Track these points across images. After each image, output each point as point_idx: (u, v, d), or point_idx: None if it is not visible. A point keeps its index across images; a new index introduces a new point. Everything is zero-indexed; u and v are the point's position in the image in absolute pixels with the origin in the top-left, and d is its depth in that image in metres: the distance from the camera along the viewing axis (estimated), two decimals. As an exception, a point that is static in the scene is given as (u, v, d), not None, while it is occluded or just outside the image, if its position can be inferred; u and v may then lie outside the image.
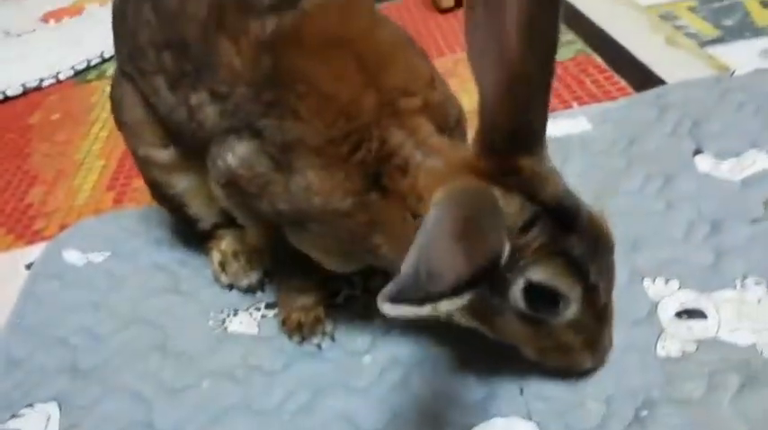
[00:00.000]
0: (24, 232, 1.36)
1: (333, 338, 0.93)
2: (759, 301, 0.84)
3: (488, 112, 0.63)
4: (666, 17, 1.64)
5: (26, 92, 2.00)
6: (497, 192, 0.63)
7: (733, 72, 1.31)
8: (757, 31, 1.50)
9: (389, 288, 0.52)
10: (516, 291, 0.64)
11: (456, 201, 0.60)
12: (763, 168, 1.05)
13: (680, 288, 0.88)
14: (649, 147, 1.16)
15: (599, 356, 0.74)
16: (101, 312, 1.05)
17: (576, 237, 0.63)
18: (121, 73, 0.98)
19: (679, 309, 0.85)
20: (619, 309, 0.76)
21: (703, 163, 1.09)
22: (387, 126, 0.73)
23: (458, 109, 0.81)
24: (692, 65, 1.43)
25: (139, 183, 1.23)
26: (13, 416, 0.91)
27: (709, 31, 1.54)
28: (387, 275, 0.80)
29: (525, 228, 0.63)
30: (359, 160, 0.73)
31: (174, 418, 0.86)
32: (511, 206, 0.63)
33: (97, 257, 1.17)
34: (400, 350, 0.88)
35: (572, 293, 0.63)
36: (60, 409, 0.91)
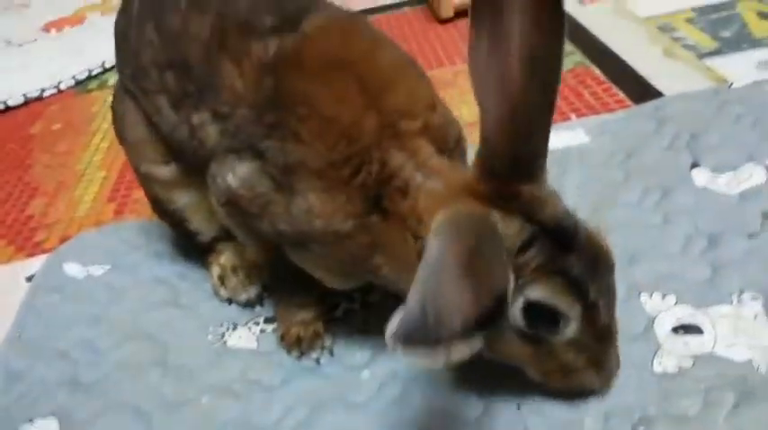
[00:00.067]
0: (25, 244, 1.37)
1: (332, 353, 0.93)
2: (755, 317, 0.84)
3: (489, 139, 0.64)
4: (664, 29, 1.64)
5: (27, 102, 2.01)
6: (497, 215, 0.63)
7: (731, 84, 1.32)
8: (755, 43, 1.50)
9: (398, 327, 0.53)
10: (516, 310, 0.65)
11: (456, 230, 0.60)
12: (760, 182, 1.05)
13: (677, 303, 0.88)
14: (647, 160, 1.17)
15: (605, 376, 0.74)
16: (101, 326, 1.05)
17: (574, 257, 0.63)
18: (124, 90, 0.98)
19: (675, 324, 0.86)
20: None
21: (700, 176, 1.10)
22: (387, 148, 0.73)
23: (457, 130, 0.82)
24: (690, 77, 1.43)
25: (140, 194, 1.23)
26: (14, 431, 0.92)
27: (707, 42, 1.55)
28: (385, 291, 0.81)
29: (524, 248, 0.63)
30: (360, 183, 0.73)
31: (173, 433, 0.87)
32: (510, 228, 0.63)
33: (97, 270, 1.17)
34: (399, 365, 0.89)
35: (571, 312, 0.64)
36: (60, 425, 0.91)
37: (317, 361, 0.93)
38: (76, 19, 2.54)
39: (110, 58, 2.02)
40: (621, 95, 1.44)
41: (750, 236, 0.97)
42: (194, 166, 0.89)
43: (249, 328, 1.00)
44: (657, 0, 1.79)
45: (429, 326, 0.53)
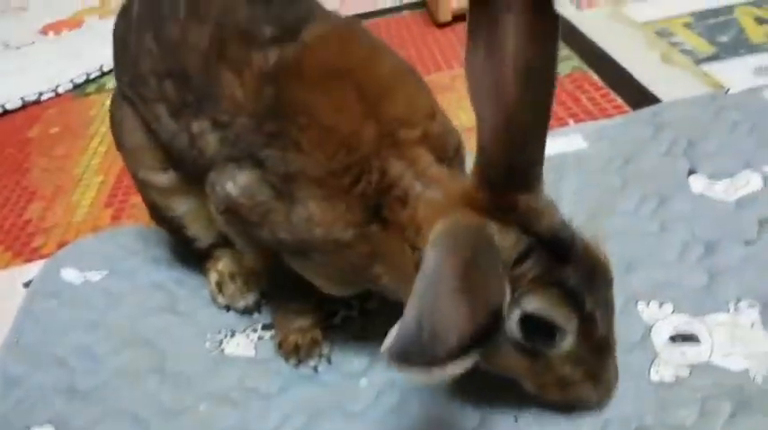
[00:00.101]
0: (23, 249, 1.37)
1: (329, 361, 0.93)
2: (752, 325, 0.85)
3: (485, 149, 0.64)
4: (662, 33, 1.65)
5: (25, 105, 2.01)
6: (494, 227, 0.63)
7: (728, 90, 1.32)
8: (752, 48, 1.51)
9: (393, 343, 0.53)
10: (512, 322, 0.65)
11: (453, 242, 0.60)
12: (757, 189, 1.06)
13: (674, 311, 0.89)
14: (645, 167, 1.17)
15: (602, 389, 0.73)
16: (98, 332, 1.05)
17: (571, 268, 0.63)
18: (122, 96, 0.98)
19: (672, 333, 0.86)
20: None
21: (697, 183, 1.10)
22: (387, 157, 0.74)
23: (456, 139, 0.82)
24: (687, 82, 1.44)
25: (137, 199, 1.23)
26: (11, 439, 0.92)
27: (704, 47, 1.55)
28: (384, 298, 0.81)
29: (520, 260, 0.63)
30: (360, 192, 0.74)
31: (171, 441, 0.87)
32: (506, 240, 0.63)
33: (95, 276, 1.17)
34: (397, 373, 0.88)
35: (567, 324, 0.64)
36: (58, 432, 0.91)
37: (315, 368, 0.93)
38: (74, 22, 2.54)
39: (108, 61, 2.01)
40: (619, 101, 1.44)
41: (747, 243, 0.97)
42: (193, 174, 0.89)
43: (247, 335, 1.00)
44: (655, 5, 1.80)
45: (424, 342, 0.54)
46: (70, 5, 2.70)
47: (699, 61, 1.50)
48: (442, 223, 0.64)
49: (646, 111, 1.32)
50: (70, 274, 1.18)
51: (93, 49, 2.22)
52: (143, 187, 1.01)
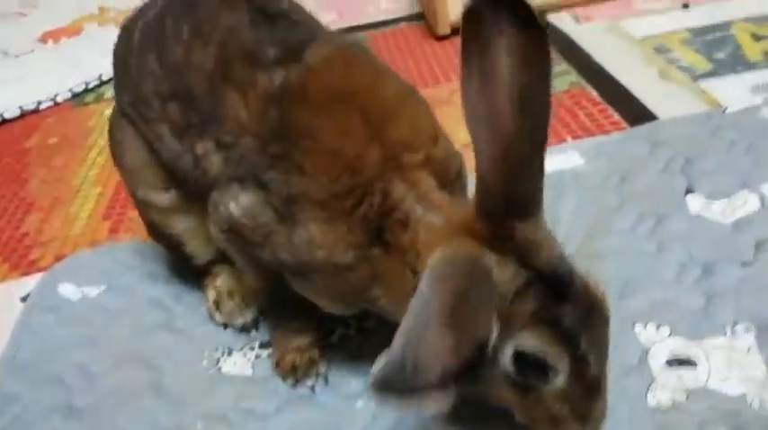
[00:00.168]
0: (20, 262, 1.36)
1: (326, 380, 0.93)
2: (749, 350, 0.85)
3: (483, 178, 0.64)
4: (660, 49, 1.66)
5: (23, 114, 2.00)
6: (492, 258, 0.63)
7: (725, 109, 1.33)
8: (749, 65, 1.52)
9: (379, 371, 0.53)
10: (505, 357, 0.65)
11: (447, 274, 0.60)
12: (754, 210, 1.06)
13: (671, 334, 0.89)
14: (642, 185, 1.18)
15: (590, 428, 0.73)
16: (95, 349, 1.05)
17: (568, 307, 0.63)
18: (122, 114, 0.98)
19: (669, 356, 0.86)
20: (611, 356, 0.76)
21: (695, 203, 1.11)
22: (390, 179, 0.74)
23: (458, 162, 0.82)
24: (685, 99, 1.44)
25: (135, 213, 1.23)
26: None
27: (701, 64, 1.56)
28: (382, 318, 0.81)
29: (518, 294, 0.63)
30: (362, 215, 0.74)
31: (167, 462, 0.87)
32: (505, 273, 0.63)
33: (92, 291, 1.17)
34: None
35: (560, 364, 0.64)
36: (54, 451, 0.91)
37: (312, 388, 0.92)
38: (74, 30, 2.54)
39: (107, 70, 2.01)
40: (617, 117, 1.44)
41: (744, 264, 0.98)
42: (195, 193, 0.89)
43: (244, 354, 1.00)
44: (652, 20, 1.81)
45: (407, 373, 0.53)
46: (69, 13, 2.70)
47: (696, 78, 1.51)
48: (441, 251, 0.64)
49: (643, 129, 1.33)
50: (67, 289, 1.18)
51: (93, 58, 2.22)
52: (142, 206, 1.01)
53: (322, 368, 0.94)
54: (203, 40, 0.84)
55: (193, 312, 1.09)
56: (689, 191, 1.13)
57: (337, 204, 0.74)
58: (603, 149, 1.29)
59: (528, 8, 0.58)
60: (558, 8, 1.95)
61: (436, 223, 0.71)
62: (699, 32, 1.70)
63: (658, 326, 0.90)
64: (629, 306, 0.94)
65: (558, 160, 1.27)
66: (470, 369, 0.56)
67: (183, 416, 0.92)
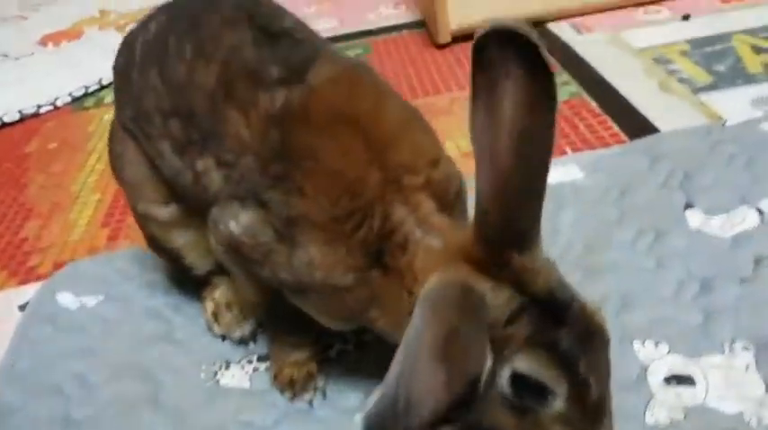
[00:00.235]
0: (18, 269, 1.36)
1: (324, 394, 0.93)
2: (747, 368, 0.85)
3: (482, 207, 0.64)
4: (660, 61, 1.66)
5: (23, 118, 2.01)
6: (487, 285, 0.63)
7: (725, 122, 1.33)
8: (749, 78, 1.52)
9: (371, 408, 0.53)
10: (503, 379, 0.65)
11: (439, 305, 0.60)
12: (753, 226, 1.06)
13: (669, 352, 0.89)
14: (641, 199, 1.18)
15: None
16: (94, 360, 1.05)
17: (565, 330, 0.63)
18: (123, 128, 0.98)
19: (667, 374, 0.86)
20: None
21: (694, 218, 1.11)
22: (390, 202, 0.74)
23: (458, 182, 0.82)
24: (685, 112, 1.45)
25: (134, 221, 1.23)
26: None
27: (701, 76, 1.56)
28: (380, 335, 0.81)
29: (512, 319, 0.63)
30: (361, 237, 0.74)
31: (164, 475, 0.87)
32: (498, 298, 0.63)
33: (91, 301, 1.17)
34: None
35: (557, 387, 0.63)
36: (51, 463, 0.91)
37: (311, 403, 0.92)
38: (74, 33, 2.55)
39: (107, 74, 2.00)
40: (616, 129, 1.44)
41: (742, 281, 0.98)
42: (196, 208, 0.89)
43: (242, 367, 1.00)
44: (653, 31, 1.82)
45: (399, 410, 0.53)
46: (69, 16, 2.70)
47: (696, 90, 1.51)
48: (436, 278, 0.64)
49: (642, 142, 1.33)
50: (66, 299, 1.18)
51: (93, 61, 2.23)
52: (143, 220, 1.01)
53: (320, 382, 0.94)
54: (206, 58, 0.84)
55: (192, 323, 1.09)
56: (688, 205, 1.13)
57: (337, 227, 0.74)
58: (603, 163, 1.29)
59: (538, 50, 0.58)
60: (558, 18, 1.96)
61: (435, 246, 0.71)
62: (699, 44, 1.70)
63: (657, 344, 0.90)
64: (627, 322, 0.94)
65: (558, 173, 1.27)
66: (462, 405, 0.56)
67: (181, 428, 0.92)
